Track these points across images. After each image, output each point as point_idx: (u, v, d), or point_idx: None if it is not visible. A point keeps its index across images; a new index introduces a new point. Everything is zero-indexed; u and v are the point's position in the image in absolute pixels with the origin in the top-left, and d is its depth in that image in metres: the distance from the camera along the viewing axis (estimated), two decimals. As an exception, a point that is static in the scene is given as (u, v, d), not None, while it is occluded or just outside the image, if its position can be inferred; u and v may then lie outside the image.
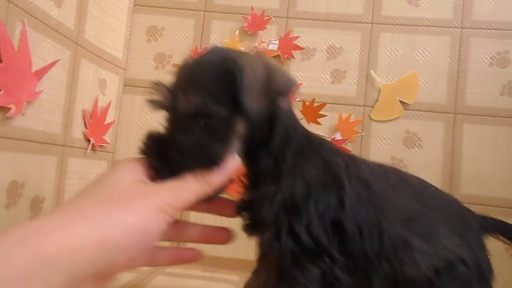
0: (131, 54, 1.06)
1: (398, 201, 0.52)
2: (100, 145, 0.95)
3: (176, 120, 0.45)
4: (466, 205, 0.97)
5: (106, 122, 0.97)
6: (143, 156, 0.44)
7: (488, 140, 0.98)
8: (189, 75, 0.45)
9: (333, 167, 0.49)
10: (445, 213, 0.55)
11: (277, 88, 0.46)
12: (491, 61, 0.99)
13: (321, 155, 0.50)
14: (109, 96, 0.98)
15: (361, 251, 0.48)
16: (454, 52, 1.00)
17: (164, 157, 0.43)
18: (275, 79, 0.45)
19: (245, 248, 0.97)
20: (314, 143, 0.51)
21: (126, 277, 0.85)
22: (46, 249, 0.31)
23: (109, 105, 0.97)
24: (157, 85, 0.47)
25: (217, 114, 0.43)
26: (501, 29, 0.99)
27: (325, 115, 0.99)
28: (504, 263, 0.95)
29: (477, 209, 0.94)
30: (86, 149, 0.90)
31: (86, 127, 0.89)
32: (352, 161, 0.52)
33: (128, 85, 1.05)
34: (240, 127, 0.45)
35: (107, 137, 0.98)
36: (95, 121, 0.92)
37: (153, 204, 0.38)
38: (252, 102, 0.42)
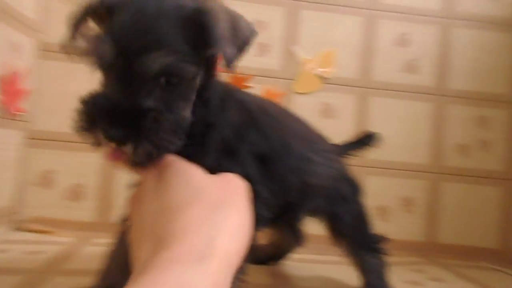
0: (49, 16, 0.98)
1: (293, 125, 0.62)
2: (14, 113, 0.89)
3: (130, 81, 0.38)
4: (374, 169, 1.11)
5: (22, 89, 0.90)
6: (89, 127, 0.38)
7: (391, 111, 1.11)
8: (142, 27, 0.39)
9: (246, 104, 0.54)
10: (319, 136, 0.68)
11: (243, 36, 0.43)
12: (394, 41, 1.12)
13: (236, 97, 0.53)
14: (24, 61, 0.91)
15: (277, 173, 0.55)
16: (364, 31, 1.11)
17: (129, 127, 0.37)
18: (241, 27, 0.43)
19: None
20: (230, 89, 0.54)
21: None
22: None
23: (23, 71, 0.90)
24: (95, 38, 0.39)
25: (187, 72, 0.40)
26: (403, 13, 1.12)
27: (251, 87, 1.04)
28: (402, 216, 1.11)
29: (383, 172, 1.09)
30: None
31: (-1, 94, 0.82)
32: (253, 97, 0.57)
33: (46, 50, 0.98)
34: (197, 81, 0.43)
35: (23, 105, 0.91)
36: (9, 87, 0.85)
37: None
38: (229, 49, 0.40)
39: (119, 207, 0.99)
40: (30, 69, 0.94)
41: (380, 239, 0.72)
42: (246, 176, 0.45)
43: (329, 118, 1.09)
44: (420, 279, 0.85)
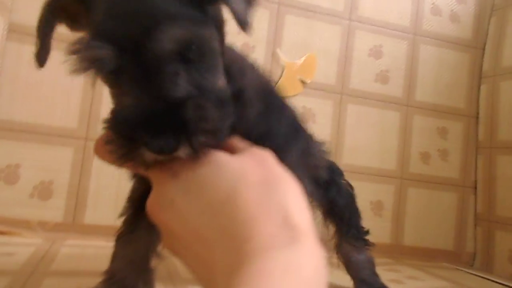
0: (20, -5, 0.89)
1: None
2: (-20, 99, 0.79)
3: (147, 75, 0.31)
4: (347, 173, 1.15)
5: (-12, 71, 0.80)
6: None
7: (364, 119, 1.16)
8: (135, 5, 0.32)
9: (258, 70, 0.51)
10: None
11: None
12: (369, 52, 1.18)
13: (247, 62, 0.50)
14: (-8, 41, 0.82)
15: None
16: (343, 40, 1.16)
17: (174, 128, 0.31)
18: None
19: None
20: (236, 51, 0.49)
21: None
22: None
23: (-8, 51, 0.81)
24: (84, 45, 0.31)
25: (206, 38, 0.34)
26: (378, 26, 1.18)
27: (234, 86, 1.03)
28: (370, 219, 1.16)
29: (355, 177, 1.13)
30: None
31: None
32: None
33: (15, 30, 0.88)
34: (218, 43, 0.37)
35: (-13, 90, 0.82)
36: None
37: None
38: (239, 2, 0.35)
39: (93, 207, 0.92)
40: (-1, 50, 0.84)
41: (367, 232, 0.74)
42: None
43: (309, 122, 1.11)
44: (398, 277, 0.90)
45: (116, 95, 0.35)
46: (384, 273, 0.91)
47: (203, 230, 0.32)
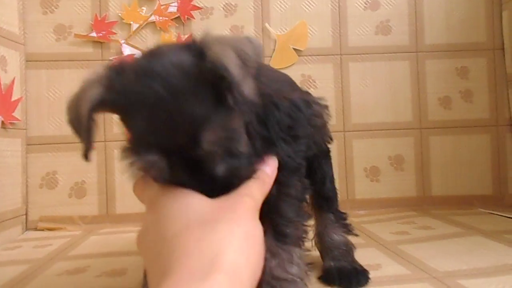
0: (29, 29, 1.04)
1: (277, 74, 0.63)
2: (10, 123, 0.95)
3: (195, 170, 0.38)
4: (356, 133, 1.14)
5: (13, 99, 0.96)
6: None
7: (369, 74, 1.14)
8: (174, 120, 0.36)
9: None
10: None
11: (253, 64, 0.39)
12: (365, 5, 1.14)
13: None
14: (12, 73, 0.97)
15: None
16: (334, 0, 1.13)
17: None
18: (246, 53, 0.38)
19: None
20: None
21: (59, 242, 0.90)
22: None
23: (13, 81, 0.96)
24: (146, 162, 0.37)
25: (233, 128, 0.39)
26: (370, -24, 1.14)
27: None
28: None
29: (369, 135, 1.12)
30: (-3, 127, 0.90)
31: (-8, 106, 0.89)
32: None
33: (31, 60, 1.04)
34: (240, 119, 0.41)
35: (17, 114, 0.98)
36: (1, 99, 0.92)
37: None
38: (247, 88, 0.37)
39: (121, 198, 1.05)
40: (19, 79, 1.00)
41: (347, 215, 0.67)
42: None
43: (310, 89, 1.12)
44: (408, 229, 0.89)
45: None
46: (395, 226, 0.92)
47: (154, 261, 0.36)
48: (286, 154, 0.48)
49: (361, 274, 0.58)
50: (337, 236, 0.63)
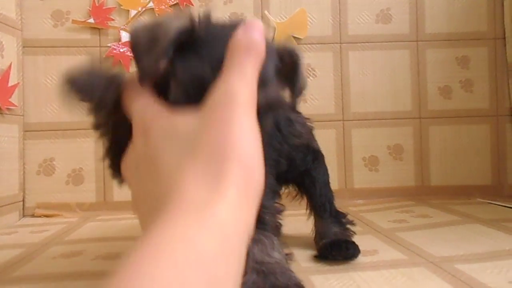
0: (26, 14, 1.03)
1: None
2: (7, 108, 0.95)
3: None
4: (355, 122, 1.13)
5: (10, 84, 0.96)
6: None
7: (369, 63, 1.13)
8: None
9: None
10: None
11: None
12: (366, -7, 1.13)
13: None
14: (9, 58, 0.96)
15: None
16: (334, -12, 1.12)
17: None
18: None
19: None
20: None
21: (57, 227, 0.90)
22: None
23: (9, 67, 0.95)
24: None
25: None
26: (371, -36, 1.12)
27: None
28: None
29: (368, 124, 1.12)
30: (-7, 112, 0.90)
31: (-11, 91, 0.88)
32: None
33: (28, 46, 1.03)
34: None
35: (14, 100, 0.97)
36: (-2, 84, 0.91)
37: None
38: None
39: (118, 186, 1.05)
40: (16, 65, 0.99)
41: (346, 214, 0.68)
42: None
43: (310, 77, 1.12)
44: (406, 217, 0.89)
45: None
46: (394, 215, 0.91)
47: (147, 201, 0.31)
48: None
49: (351, 244, 0.60)
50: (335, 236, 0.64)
